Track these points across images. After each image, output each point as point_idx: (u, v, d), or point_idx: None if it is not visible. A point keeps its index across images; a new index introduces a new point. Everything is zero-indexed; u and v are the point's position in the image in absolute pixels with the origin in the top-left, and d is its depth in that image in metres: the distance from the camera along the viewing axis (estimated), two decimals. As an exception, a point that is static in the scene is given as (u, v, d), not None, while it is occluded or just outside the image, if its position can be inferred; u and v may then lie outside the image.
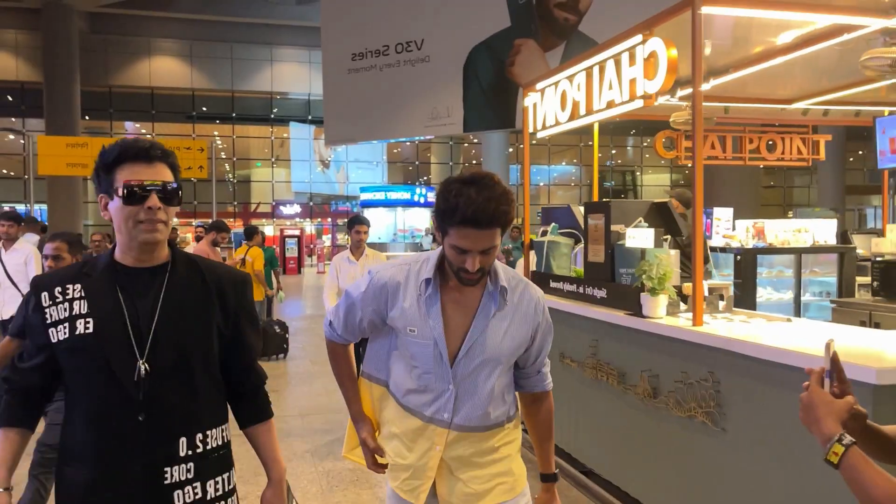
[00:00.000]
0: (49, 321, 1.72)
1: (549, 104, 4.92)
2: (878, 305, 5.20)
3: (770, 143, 7.10)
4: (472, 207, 1.78)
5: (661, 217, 4.32)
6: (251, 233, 9.43)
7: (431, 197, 24.13)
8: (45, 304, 1.73)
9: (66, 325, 1.70)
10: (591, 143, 29.63)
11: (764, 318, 3.69)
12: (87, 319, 1.70)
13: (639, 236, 3.91)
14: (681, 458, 3.47)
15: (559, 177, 35.74)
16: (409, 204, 23.61)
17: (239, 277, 1.91)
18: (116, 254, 1.77)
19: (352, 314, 2.10)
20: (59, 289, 1.74)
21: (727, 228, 6.90)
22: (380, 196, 23.89)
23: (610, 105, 4.12)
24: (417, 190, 24.42)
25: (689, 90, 5.21)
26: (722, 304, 3.98)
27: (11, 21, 25.87)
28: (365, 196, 23.86)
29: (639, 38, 3.76)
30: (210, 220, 10.21)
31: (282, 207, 31.14)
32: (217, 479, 1.80)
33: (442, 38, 16.30)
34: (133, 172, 1.69)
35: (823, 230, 6.62)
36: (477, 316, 1.97)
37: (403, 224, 23.33)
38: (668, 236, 4.33)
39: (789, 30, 4.04)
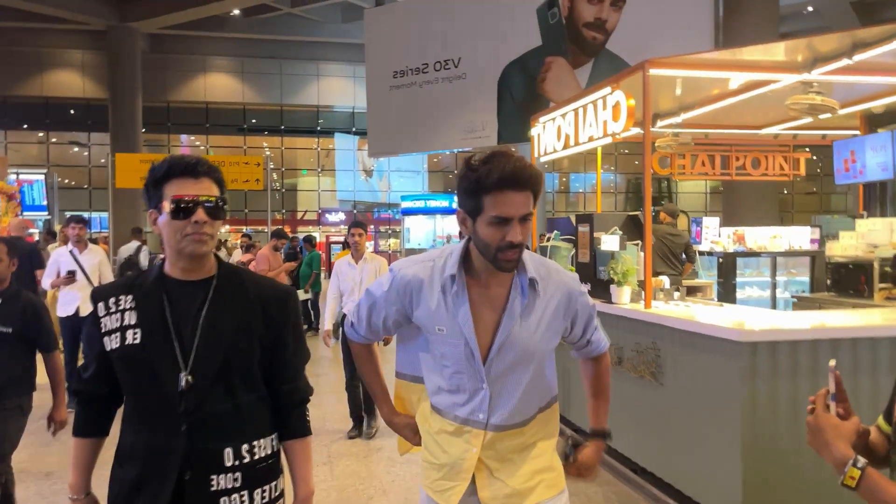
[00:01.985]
0: (104, 330, 1.79)
1: (549, 135, 6.09)
2: (827, 299, 6.20)
3: (755, 160, 8.12)
4: (508, 167, 1.74)
5: (633, 226, 5.42)
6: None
7: (470, 205, 25.29)
8: (101, 314, 1.81)
9: (118, 334, 1.77)
10: (626, 151, 30.27)
11: (702, 303, 4.80)
12: (136, 330, 1.76)
13: (610, 241, 5.03)
14: (635, 408, 4.58)
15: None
16: (447, 212, 24.80)
17: (283, 292, 1.92)
18: (165, 267, 1.82)
19: (375, 313, 2.05)
20: (112, 299, 1.81)
21: (714, 235, 7.96)
22: (420, 204, 25.11)
23: (590, 139, 5.28)
24: (456, 198, 25.66)
25: (668, 120, 6.34)
26: (677, 294, 5.09)
27: (79, 42, 27.84)
28: (406, 204, 25.08)
29: (608, 90, 4.91)
30: (254, 229, 11.81)
31: (327, 215, 32.49)
32: (265, 487, 1.82)
33: (478, 57, 17.54)
34: (180, 187, 1.73)
35: (798, 236, 7.63)
36: (506, 312, 1.88)
37: (442, 230, 24.49)
38: (639, 241, 5.44)
39: (730, 81, 5.13)
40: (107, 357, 1.79)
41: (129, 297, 1.78)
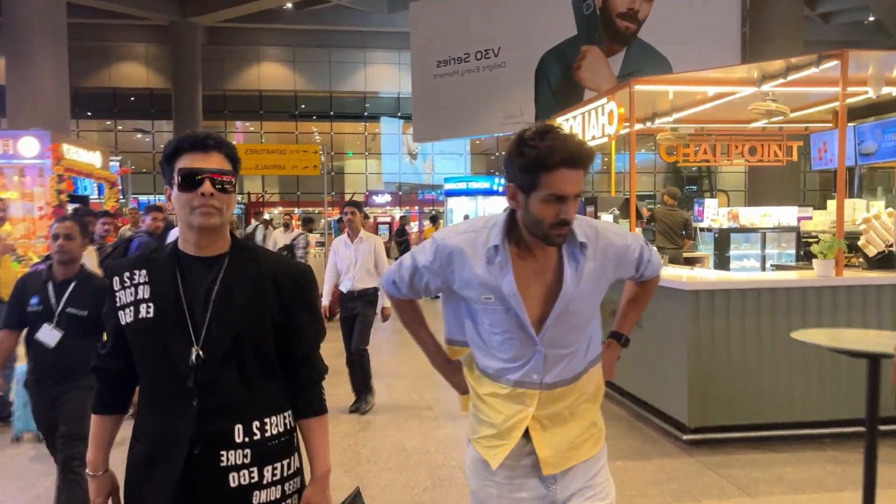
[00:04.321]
0: (119, 304, 1.80)
1: (563, 132, 7.41)
2: (799, 266, 7.40)
3: (752, 147, 9.28)
4: (569, 146, 1.74)
5: (628, 207, 6.71)
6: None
7: (510, 186, 26.46)
8: (116, 288, 1.81)
9: (132, 308, 1.77)
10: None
11: (685, 268, 6.10)
12: (149, 304, 1.76)
13: (606, 219, 6.35)
14: (622, 348, 5.94)
15: (640, 164, 37.38)
16: (488, 193, 25.92)
17: (298, 269, 1.90)
18: (179, 242, 1.82)
19: (417, 278, 2.05)
20: (127, 273, 1.81)
21: (713, 214, 9.17)
22: (462, 186, 26.13)
23: (593, 137, 6.58)
24: (496, 180, 26.85)
25: (665, 119, 7.60)
26: (663, 259, 6.40)
27: (143, 36, 29.64)
28: (448, 186, 26.10)
29: (605, 100, 6.21)
30: (305, 210, 13.40)
31: (374, 197, 33.34)
32: (276, 464, 1.81)
33: (516, 46, 18.61)
34: (189, 161, 1.73)
35: (786, 215, 8.78)
36: (565, 281, 1.86)
37: (484, 211, 25.66)
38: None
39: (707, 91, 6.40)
40: (123, 333, 1.80)
41: (143, 272, 1.79)
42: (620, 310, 2.24)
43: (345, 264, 6.08)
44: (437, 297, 2.18)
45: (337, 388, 6.24)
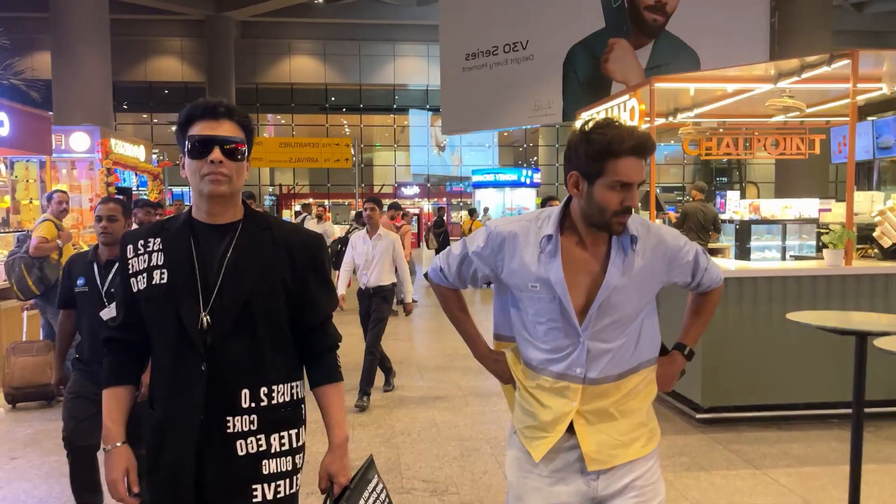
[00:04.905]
0: (131, 271, 1.81)
1: (588, 127, 7.74)
2: (817, 257, 7.64)
3: (774, 141, 9.48)
4: (635, 135, 1.78)
5: (649, 200, 6.98)
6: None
7: (537, 178, 26.68)
8: (129, 256, 1.82)
9: (145, 275, 1.79)
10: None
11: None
12: (163, 270, 1.77)
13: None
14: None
15: (669, 155, 37.36)
16: (515, 185, 26.17)
17: (311, 237, 1.91)
18: (193, 210, 1.83)
19: (466, 265, 2.07)
20: (141, 241, 1.82)
21: (736, 206, 9.40)
22: (489, 178, 26.36)
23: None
24: (523, 172, 27.10)
25: (687, 113, 7.87)
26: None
27: (178, 31, 30.34)
28: (476, 178, 26.42)
29: (627, 97, 6.50)
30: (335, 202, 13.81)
31: (403, 188, 33.84)
32: (283, 433, 1.82)
33: (544, 39, 18.75)
34: (200, 129, 1.74)
35: (807, 207, 8.98)
36: (608, 271, 1.86)
37: (511, 203, 25.95)
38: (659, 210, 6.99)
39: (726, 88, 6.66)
40: (135, 304, 1.81)
41: (158, 240, 1.80)
42: (684, 322, 2.24)
43: (362, 259, 6.09)
44: (487, 286, 2.19)
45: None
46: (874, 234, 6.70)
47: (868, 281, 5.28)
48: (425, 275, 2.17)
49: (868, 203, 7.36)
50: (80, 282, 3.39)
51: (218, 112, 1.75)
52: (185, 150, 1.76)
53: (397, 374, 6.75)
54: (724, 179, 31.93)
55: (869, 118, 7.76)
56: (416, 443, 4.99)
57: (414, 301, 9.15)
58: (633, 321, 1.93)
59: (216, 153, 1.72)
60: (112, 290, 3.30)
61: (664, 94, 7.11)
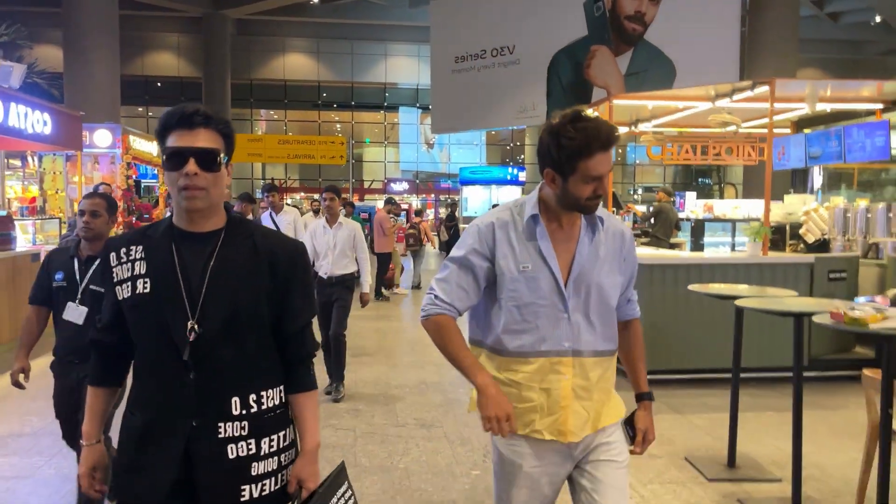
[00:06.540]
0: (116, 280, 1.80)
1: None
2: (756, 252, 8.78)
3: (728, 148, 10.62)
4: (602, 133, 1.91)
5: (614, 200, 8.07)
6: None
7: (522, 176, 27.66)
8: (113, 264, 1.81)
9: (129, 283, 1.77)
10: (673, 131, 31.74)
11: (663, 250, 7.52)
12: (146, 279, 1.76)
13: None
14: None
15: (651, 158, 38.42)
16: (502, 182, 27.19)
17: (292, 246, 1.91)
18: (174, 218, 1.81)
19: (464, 271, 2.08)
20: (124, 249, 1.80)
21: (693, 206, 10.56)
22: (477, 175, 27.59)
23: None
24: (510, 170, 28.13)
25: (646, 124, 8.99)
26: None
27: (175, 27, 30.94)
28: (464, 175, 27.40)
29: (591, 110, 7.59)
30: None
31: (392, 184, 34.61)
32: (273, 436, 1.84)
33: (530, 44, 19.70)
34: (175, 139, 1.70)
35: (755, 207, 10.15)
36: (580, 242, 2.04)
37: (497, 199, 26.92)
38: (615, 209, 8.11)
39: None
40: (119, 306, 1.81)
41: (140, 248, 1.79)
42: (632, 373, 2.31)
43: (323, 249, 6.02)
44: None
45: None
46: (800, 231, 7.88)
47: (781, 269, 6.43)
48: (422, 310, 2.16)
49: (801, 205, 8.52)
50: (58, 276, 3.31)
51: (194, 121, 1.71)
52: (162, 160, 1.77)
53: (391, 350, 7.69)
54: (708, 181, 32.75)
55: (805, 130, 8.89)
56: (407, 395, 6.11)
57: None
58: (604, 294, 2.08)
59: (191, 165, 1.69)
60: (90, 286, 3.24)
61: (626, 108, 8.21)
